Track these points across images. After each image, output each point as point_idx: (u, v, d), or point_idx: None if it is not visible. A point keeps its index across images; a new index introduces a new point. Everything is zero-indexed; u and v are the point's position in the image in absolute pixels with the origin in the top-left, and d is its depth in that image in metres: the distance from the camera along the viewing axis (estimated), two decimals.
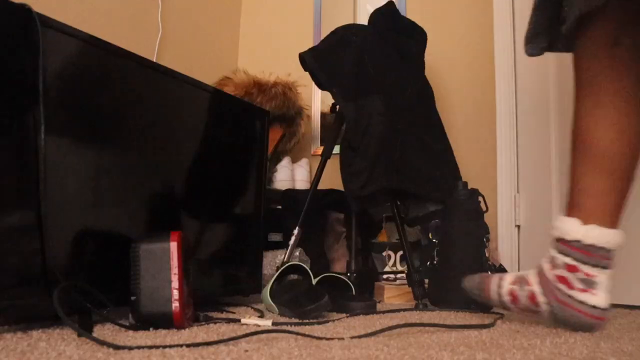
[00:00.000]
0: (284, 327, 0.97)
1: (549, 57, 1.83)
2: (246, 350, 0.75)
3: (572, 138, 1.07)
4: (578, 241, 1.01)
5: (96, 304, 0.94)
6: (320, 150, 2.32)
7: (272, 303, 1.26)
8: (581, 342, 0.87)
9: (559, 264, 1.03)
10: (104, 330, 0.91)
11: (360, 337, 0.89)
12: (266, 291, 1.31)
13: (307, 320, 1.11)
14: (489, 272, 1.34)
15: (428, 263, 1.74)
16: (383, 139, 1.53)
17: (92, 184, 1.02)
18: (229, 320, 1.03)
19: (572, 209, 1.05)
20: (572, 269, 1.01)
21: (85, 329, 0.83)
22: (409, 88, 1.67)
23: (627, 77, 1.01)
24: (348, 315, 1.23)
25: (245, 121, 1.45)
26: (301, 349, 0.77)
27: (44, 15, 0.94)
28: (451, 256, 1.44)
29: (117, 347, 0.75)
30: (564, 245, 1.03)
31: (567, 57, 1.23)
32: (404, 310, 1.37)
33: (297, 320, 1.11)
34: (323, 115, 2.35)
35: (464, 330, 1.00)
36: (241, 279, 1.43)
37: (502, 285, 1.11)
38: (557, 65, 1.84)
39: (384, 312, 1.30)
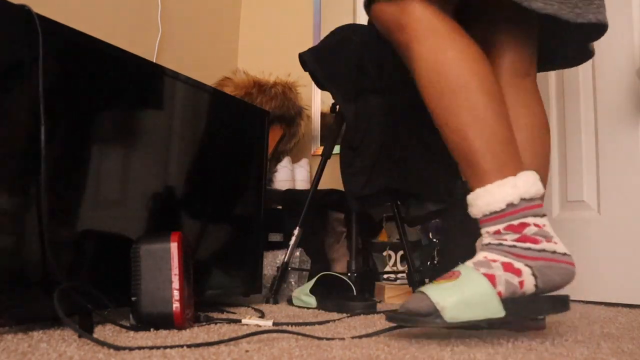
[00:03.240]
0: (285, 328, 0.97)
1: None
2: (247, 351, 0.75)
3: None
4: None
5: (97, 304, 0.93)
6: (320, 150, 2.31)
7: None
8: (582, 342, 0.87)
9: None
10: (104, 331, 0.91)
11: (360, 337, 0.89)
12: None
13: (308, 321, 1.11)
14: None
15: (428, 263, 1.74)
16: (383, 139, 1.53)
17: (93, 184, 1.02)
18: (230, 321, 1.03)
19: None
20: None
21: (85, 330, 0.83)
22: (409, 88, 1.67)
23: None
24: (348, 315, 1.23)
25: (245, 121, 1.45)
26: (302, 349, 0.77)
27: (44, 15, 0.94)
28: (452, 256, 1.44)
29: (117, 348, 0.75)
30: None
31: None
32: None
33: (298, 321, 1.11)
34: (323, 115, 2.35)
35: (464, 329, 1.00)
36: (241, 279, 1.43)
37: None
38: None
39: (384, 312, 1.30)
